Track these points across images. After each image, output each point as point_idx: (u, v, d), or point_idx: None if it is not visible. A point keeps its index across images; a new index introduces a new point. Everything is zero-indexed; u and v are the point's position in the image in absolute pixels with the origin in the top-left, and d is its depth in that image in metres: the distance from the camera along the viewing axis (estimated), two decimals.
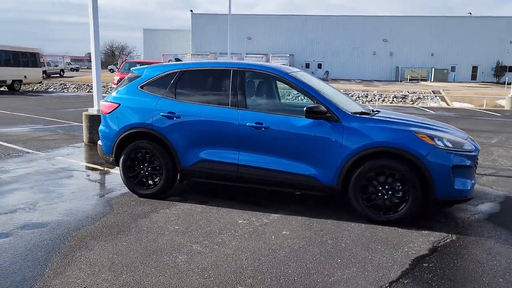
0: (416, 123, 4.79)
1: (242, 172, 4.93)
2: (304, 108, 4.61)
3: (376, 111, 5.32)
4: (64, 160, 7.39)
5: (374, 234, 4.25)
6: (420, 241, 4.10)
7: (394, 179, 4.45)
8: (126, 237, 4.06)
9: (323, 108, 4.59)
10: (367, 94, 36.50)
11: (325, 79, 55.45)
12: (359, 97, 35.85)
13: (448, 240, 4.14)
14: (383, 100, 33.66)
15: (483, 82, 52.57)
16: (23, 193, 5.40)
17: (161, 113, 5.14)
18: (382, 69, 56.72)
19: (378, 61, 56.99)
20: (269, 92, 5.64)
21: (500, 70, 53.24)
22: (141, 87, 5.38)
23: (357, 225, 4.49)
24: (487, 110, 21.77)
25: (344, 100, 5.27)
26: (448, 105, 29.83)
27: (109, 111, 5.44)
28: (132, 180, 5.37)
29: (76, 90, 31.41)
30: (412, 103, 31.92)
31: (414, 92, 36.19)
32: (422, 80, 52.94)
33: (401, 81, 51.93)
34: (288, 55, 55.23)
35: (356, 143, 4.49)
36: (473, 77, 55.08)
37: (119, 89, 5.57)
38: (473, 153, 4.55)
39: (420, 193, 4.38)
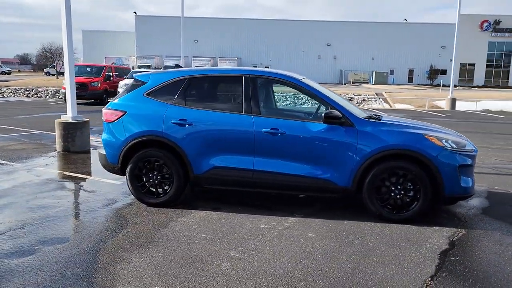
0: (421, 126, 5.12)
1: (258, 177, 5.01)
2: (323, 114, 4.79)
3: (377, 115, 5.60)
4: (46, 170, 7.03)
5: (393, 232, 4.50)
6: (437, 236, 4.40)
7: (406, 179, 4.73)
8: (158, 248, 3.99)
9: (339, 113, 4.78)
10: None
11: None
12: (308, 100, 36.92)
13: (460, 234, 4.48)
14: None
15: (418, 84, 55.93)
16: (22, 207, 5.10)
17: (172, 121, 5.08)
18: (327, 72, 58.61)
19: (322, 64, 58.80)
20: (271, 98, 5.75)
21: (433, 73, 56.93)
22: (148, 94, 5.29)
23: (373, 224, 4.72)
24: (429, 110, 23.26)
25: (349, 105, 5.51)
26: (391, 106, 31.41)
27: (114, 119, 5.29)
28: (140, 189, 5.26)
29: (12, 95, 29.38)
30: (358, 105, 33.24)
31: (359, 95, 37.68)
32: (364, 82, 55.38)
33: (345, 84, 53.96)
34: (236, 58, 55.51)
35: (371, 146, 4.73)
36: (410, 79, 58.46)
37: (122, 96, 5.44)
38: (473, 153, 4.95)
39: (430, 191, 4.69)
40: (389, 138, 4.75)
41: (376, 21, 59.80)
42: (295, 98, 25.19)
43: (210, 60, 55.97)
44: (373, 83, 53.85)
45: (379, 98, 36.48)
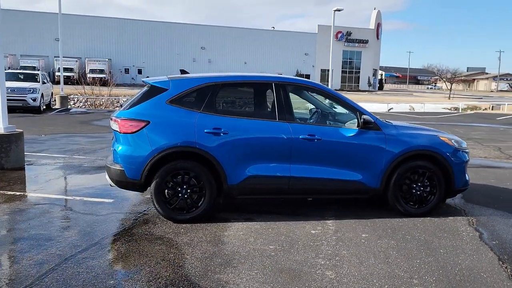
0: (430, 129, 5.74)
1: (294, 183, 5.05)
2: (362, 120, 5.05)
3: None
4: (4, 193, 5.89)
5: (425, 225, 4.99)
6: (460, 225, 5.04)
7: (425, 176, 5.28)
8: (245, 265, 3.79)
9: (371, 119, 5.11)
10: None
11: None
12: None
13: (474, 221, 5.19)
14: None
15: None
16: (30, 240, 4.27)
17: (205, 130, 4.80)
18: None
19: (198, 67, 58.85)
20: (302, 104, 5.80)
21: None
22: (171, 102, 4.89)
23: (399, 220, 5.16)
24: None
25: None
26: None
27: (135, 130, 4.76)
28: (168, 205, 4.84)
29: None
30: None
31: None
32: None
33: None
34: (106, 59, 52.31)
35: (397, 148, 5.16)
36: None
37: (138, 104, 4.91)
38: (467, 150, 5.76)
39: (444, 186, 5.33)
40: (411, 140, 5.25)
41: (248, 27, 62.42)
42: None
43: (76, 61, 51.75)
44: None
45: None
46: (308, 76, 61.97)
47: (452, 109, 36.20)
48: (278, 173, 5.00)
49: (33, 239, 4.28)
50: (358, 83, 65.80)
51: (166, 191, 4.84)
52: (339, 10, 29.91)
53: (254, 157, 4.93)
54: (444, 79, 58.17)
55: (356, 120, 5.20)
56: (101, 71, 47.96)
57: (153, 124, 4.78)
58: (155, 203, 4.84)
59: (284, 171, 5.00)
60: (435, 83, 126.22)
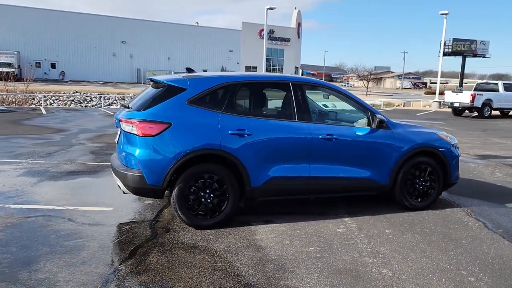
0: (426, 127, 6.07)
1: (313, 183, 5.07)
2: (377, 120, 5.21)
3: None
4: None
5: (432, 218, 5.30)
6: (461, 216, 5.42)
7: (426, 172, 5.60)
8: (300, 269, 3.73)
9: (384, 118, 5.29)
10: (123, 97, 36.07)
11: (62, 80, 50.79)
12: (116, 100, 35.05)
13: (469, 211, 5.61)
14: None
15: None
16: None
17: (229, 131, 4.63)
18: (124, 71, 56.53)
19: (118, 62, 56.37)
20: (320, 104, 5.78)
21: None
22: (191, 102, 4.64)
23: (406, 214, 5.41)
24: None
25: None
26: None
27: (156, 132, 4.44)
28: (191, 212, 4.61)
29: None
30: None
31: None
32: None
33: (144, 83, 53.16)
34: (15, 52, 47.81)
35: (404, 145, 5.41)
36: None
37: (156, 105, 4.58)
38: (458, 146, 6.19)
39: (442, 180, 5.70)
40: (415, 137, 5.53)
41: (171, 22, 60.74)
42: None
43: None
44: None
45: None
46: None
47: (372, 105, 38.54)
48: (299, 174, 4.98)
49: (54, 257, 3.82)
50: None
51: (188, 196, 4.59)
52: (271, 9, 30.34)
53: (276, 158, 4.86)
54: (362, 76, 61.95)
55: (366, 119, 5.35)
56: (9, 65, 43.76)
57: (175, 126, 4.49)
58: (178, 210, 4.56)
59: (305, 171, 5.00)
60: (348, 81, 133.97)
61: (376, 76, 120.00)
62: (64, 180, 6.70)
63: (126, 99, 31.67)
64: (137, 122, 4.46)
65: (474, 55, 74.83)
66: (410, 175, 5.52)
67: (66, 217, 4.95)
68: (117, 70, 56.08)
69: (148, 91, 5.05)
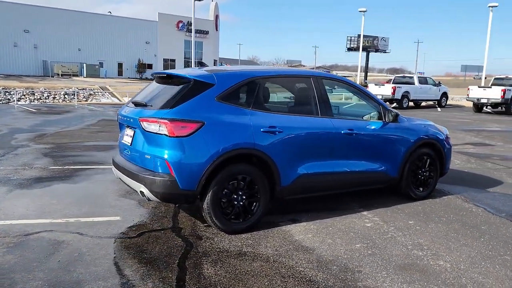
0: (424, 119, 6.30)
1: (336, 179, 5.04)
2: (393, 113, 5.31)
3: None
4: None
5: (439, 206, 5.54)
6: (460, 202, 5.75)
7: (427, 162, 5.85)
8: (365, 268, 3.67)
9: (398, 112, 5.41)
10: (33, 91, 33.13)
11: None
12: (24, 95, 31.97)
13: (463, 198, 5.98)
14: (54, 98, 31.54)
15: (129, 78, 57.06)
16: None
17: (261, 129, 4.40)
18: (28, 63, 51.53)
19: (20, 53, 51.21)
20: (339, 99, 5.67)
21: (141, 67, 59.25)
22: (220, 99, 4.31)
23: (413, 204, 5.61)
24: None
25: None
26: (120, 100, 31.46)
27: (188, 132, 4.06)
28: (225, 216, 4.31)
29: None
30: (86, 100, 31.54)
31: (83, 88, 35.79)
32: (74, 75, 51.94)
33: (52, 76, 49.14)
34: None
35: (411, 138, 5.59)
36: (120, 73, 58.83)
37: (184, 102, 4.18)
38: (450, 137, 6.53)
39: (439, 170, 6.01)
40: (419, 130, 5.74)
41: (81, 10, 56.38)
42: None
43: None
44: (85, 76, 51.26)
45: (105, 92, 35.64)
46: (150, 66, 60.02)
47: None
48: (324, 170, 4.91)
49: (97, 278, 3.31)
50: None
51: (221, 200, 4.29)
52: (199, 0, 29.56)
53: (303, 156, 4.73)
54: None
55: (377, 113, 5.42)
56: None
57: (208, 125, 4.14)
58: (212, 216, 4.23)
59: (329, 167, 4.94)
60: None
61: None
62: (39, 188, 5.89)
63: (36, 94, 29.00)
64: (168, 122, 4.02)
65: (376, 50, 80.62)
66: (414, 166, 5.73)
67: (73, 231, 4.34)
68: (20, 62, 50.99)
69: (163, 87, 4.60)
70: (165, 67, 61.82)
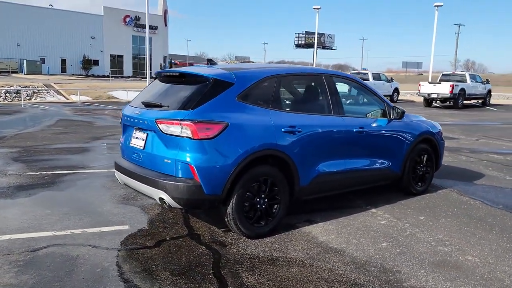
0: (420, 116, 6.42)
1: (349, 177, 5.03)
2: (400, 111, 5.37)
3: None
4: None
5: (439, 201, 5.68)
6: (456, 196, 5.93)
7: (425, 158, 5.98)
8: (406, 268, 3.67)
9: (404, 109, 5.47)
10: None
11: None
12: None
13: (457, 191, 6.18)
14: None
15: (73, 74, 54.44)
16: None
17: (282, 129, 4.27)
18: None
19: None
20: (348, 97, 5.60)
21: (86, 63, 56.75)
22: (241, 99, 4.13)
23: (414, 199, 5.73)
24: (109, 102, 24.34)
25: None
26: (67, 99, 30.02)
27: (214, 134, 3.85)
28: (249, 221, 4.15)
29: None
30: (30, 99, 29.83)
31: (26, 86, 33.75)
32: (13, 72, 48.88)
33: None
34: None
35: (413, 134, 5.69)
36: (63, 69, 56.03)
37: (206, 102, 3.94)
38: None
39: (435, 165, 6.17)
40: (419, 126, 5.85)
41: (18, 2, 52.78)
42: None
43: None
44: (25, 72, 48.40)
45: (50, 90, 33.82)
46: (97, 62, 57.61)
47: None
48: (339, 168, 4.87)
49: None
50: (151, 70, 64.64)
51: (244, 203, 4.12)
52: None
53: (320, 155, 4.66)
54: None
55: (380, 110, 5.45)
56: None
57: (232, 126, 3.95)
58: (237, 221, 4.05)
59: (343, 165, 4.91)
60: None
61: None
62: (24, 197, 5.39)
63: None
64: (192, 123, 3.78)
65: (323, 47, 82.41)
66: (414, 162, 5.84)
67: (84, 243, 3.99)
68: None
69: (175, 86, 4.35)
70: (113, 64, 59.77)
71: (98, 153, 8.73)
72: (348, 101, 5.98)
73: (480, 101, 26.72)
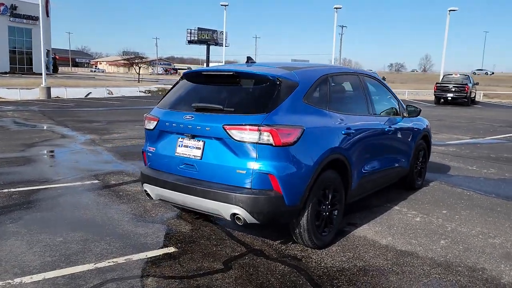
0: None
1: (382, 175, 5.07)
2: (418, 109, 5.53)
3: None
4: None
5: (442, 194, 5.98)
6: (449, 188, 6.32)
7: (422, 154, 6.26)
8: (479, 264, 3.75)
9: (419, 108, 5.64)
10: None
11: None
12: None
13: (445, 183, 6.60)
14: None
15: None
16: None
17: (342, 131, 4.08)
18: None
19: None
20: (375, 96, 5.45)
21: None
22: (305, 100, 3.83)
23: (418, 193, 5.98)
24: (30, 102, 21.79)
25: None
26: None
27: (294, 139, 3.51)
28: (319, 231, 3.90)
29: None
30: None
31: None
32: None
33: None
34: None
35: (418, 132, 5.93)
36: None
37: (279, 105, 3.56)
38: None
39: (427, 160, 6.50)
40: (419, 123, 6.09)
41: None
42: None
43: None
44: None
45: None
46: None
47: (147, 92, 37.36)
48: (377, 167, 4.87)
49: None
50: (32, 65, 58.12)
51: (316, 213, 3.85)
52: None
53: (365, 155, 4.58)
54: (133, 63, 60.21)
55: (393, 109, 5.54)
56: None
57: (308, 131, 3.64)
58: (311, 233, 3.75)
59: (377, 164, 4.89)
60: (97, 66, 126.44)
61: (126, 62, 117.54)
62: (9, 223, 4.36)
63: None
64: (273, 129, 3.37)
65: (216, 44, 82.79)
66: (416, 157, 6.07)
67: (142, 274, 3.35)
68: None
69: (228, 88, 3.89)
70: None
71: (46, 163, 7.52)
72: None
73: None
